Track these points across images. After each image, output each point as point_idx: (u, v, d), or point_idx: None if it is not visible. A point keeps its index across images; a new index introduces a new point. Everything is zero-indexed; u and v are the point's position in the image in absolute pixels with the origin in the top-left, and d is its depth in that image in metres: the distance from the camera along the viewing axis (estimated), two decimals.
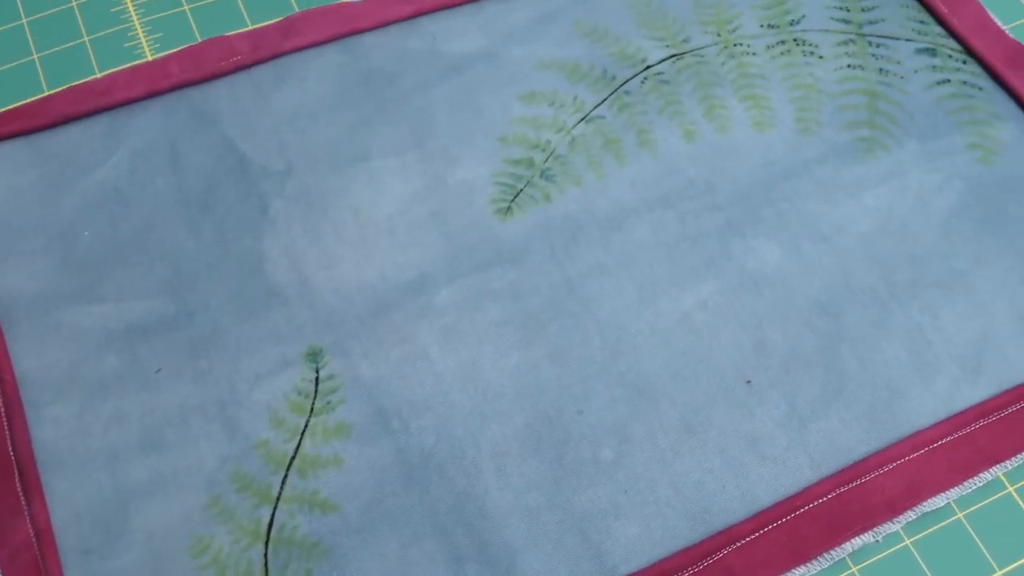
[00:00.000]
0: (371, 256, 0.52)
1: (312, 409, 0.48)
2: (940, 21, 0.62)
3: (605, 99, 0.58)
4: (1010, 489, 0.48)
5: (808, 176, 0.56)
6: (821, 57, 0.60)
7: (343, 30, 0.59)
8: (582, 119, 0.57)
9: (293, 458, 0.46)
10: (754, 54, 0.60)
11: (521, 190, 0.54)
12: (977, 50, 0.60)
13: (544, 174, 0.55)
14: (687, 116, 0.58)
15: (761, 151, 0.57)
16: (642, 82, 0.58)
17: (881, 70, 0.60)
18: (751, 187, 0.55)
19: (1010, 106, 0.59)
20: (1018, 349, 0.51)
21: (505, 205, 0.54)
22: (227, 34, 0.58)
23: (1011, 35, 0.61)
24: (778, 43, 0.61)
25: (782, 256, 0.53)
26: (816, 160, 0.56)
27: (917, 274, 0.53)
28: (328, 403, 0.48)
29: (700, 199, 0.55)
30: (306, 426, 0.47)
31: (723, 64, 0.60)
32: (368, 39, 0.59)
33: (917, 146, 0.57)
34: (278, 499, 0.46)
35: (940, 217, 0.55)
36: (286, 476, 0.46)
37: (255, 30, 0.58)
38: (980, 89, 0.59)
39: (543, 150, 0.56)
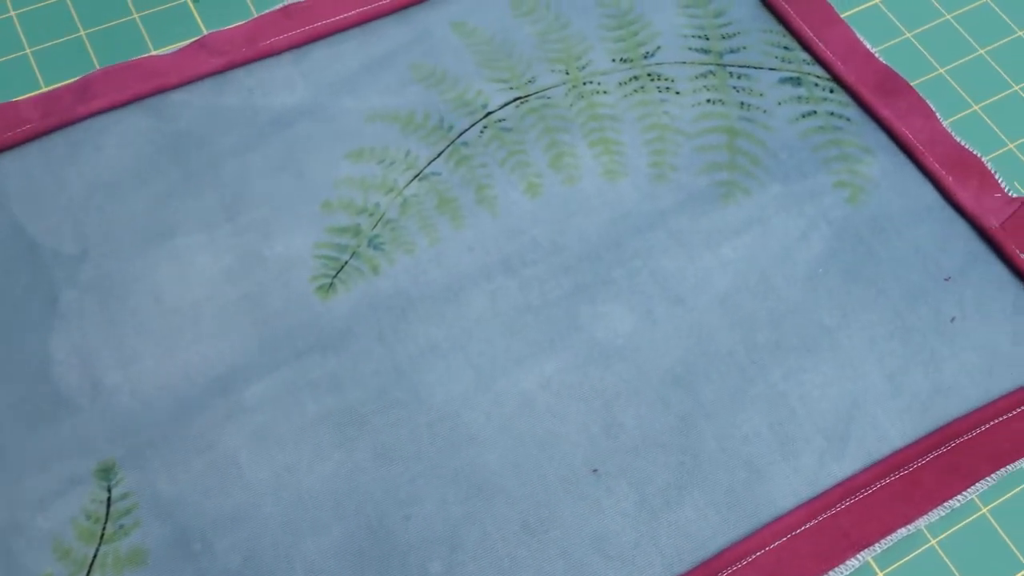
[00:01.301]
0: (174, 350, 0.46)
1: (102, 535, 0.42)
2: (806, 46, 0.57)
3: (441, 153, 0.53)
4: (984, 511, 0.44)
5: (663, 228, 0.51)
6: (678, 93, 0.55)
7: (147, 89, 0.53)
8: (415, 177, 0.52)
9: None
10: (606, 92, 0.55)
11: (346, 263, 0.49)
12: (845, 77, 0.56)
13: (372, 242, 0.50)
14: (532, 167, 0.52)
15: (612, 203, 0.52)
16: (482, 131, 0.53)
17: (743, 104, 0.55)
18: (601, 245, 0.50)
19: (880, 138, 0.54)
20: (887, 414, 0.47)
21: (327, 281, 0.49)
22: (15, 100, 0.52)
23: (881, 59, 0.56)
24: (631, 79, 0.56)
25: (635, 323, 0.48)
26: (672, 210, 0.51)
27: (779, 335, 0.48)
28: (121, 527, 0.43)
29: (545, 262, 0.50)
30: (95, 556, 0.42)
31: (571, 106, 0.54)
32: (176, 97, 0.53)
33: (780, 188, 0.52)
34: None
35: (805, 268, 0.50)
36: None
37: (46, 93, 0.52)
38: (848, 120, 0.55)
39: (371, 215, 0.51)
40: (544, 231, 0.51)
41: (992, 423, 0.47)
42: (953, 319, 0.49)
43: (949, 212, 0.52)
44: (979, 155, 0.53)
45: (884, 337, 0.48)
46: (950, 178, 0.53)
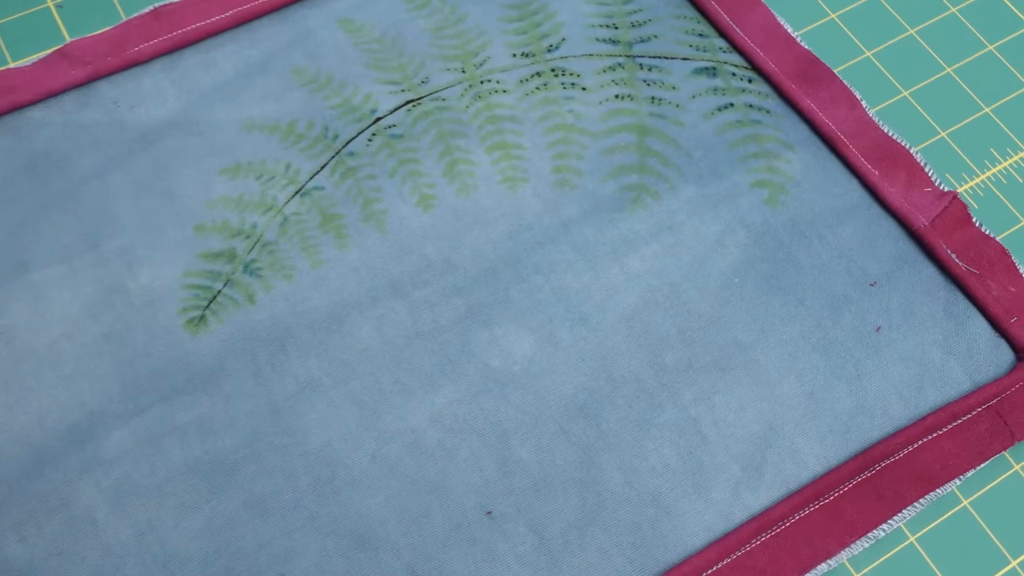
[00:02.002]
0: (27, 397, 0.42)
1: None
2: (722, 32, 0.53)
3: (325, 165, 0.48)
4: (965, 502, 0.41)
5: (566, 241, 0.47)
6: (584, 89, 0.51)
7: (1, 106, 0.48)
8: (296, 192, 0.48)
9: None
10: (505, 91, 0.51)
11: (218, 292, 0.45)
12: (764, 65, 0.52)
13: (248, 268, 0.46)
14: (424, 177, 0.48)
15: (511, 214, 0.48)
16: (370, 139, 0.49)
17: (653, 99, 0.51)
18: (498, 261, 0.46)
19: (801, 131, 0.50)
20: (806, 437, 0.43)
21: (198, 314, 0.44)
22: None
23: (803, 44, 0.52)
24: (533, 75, 0.51)
25: (534, 347, 0.44)
26: (576, 219, 0.47)
27: (691, 354, 0.44)
28: None
29: (437, 283, 0.46)
30: None
31: (468, 107, 0.50)
32: (34, 114, 0.49)
33: (694, 191, 0.48)
34: None
35: (719, 278, 0.46)
36: None
37: None
38: (768, 113, 0.51)
39: (248, 237, 0.46)
40: (437, 248, 0.47)
41: (920, 443, 0.43)
42: (879, 328, 0.45)
43: (875, 210, 0.48)
44: (908, 146, 0.49)
45: (805, 351, 0.45)
46: (876, 173, 0.49)
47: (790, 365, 0.45)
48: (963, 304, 0.46)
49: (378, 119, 0.50)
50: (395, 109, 0.50)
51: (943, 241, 0.47)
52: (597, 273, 0.46)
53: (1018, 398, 0.44)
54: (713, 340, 0.45)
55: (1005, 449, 0.43)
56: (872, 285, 0.46)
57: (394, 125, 0.50)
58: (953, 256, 0.47)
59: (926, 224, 0.47)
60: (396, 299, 0.45)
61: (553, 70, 0.52)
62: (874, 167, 0.49)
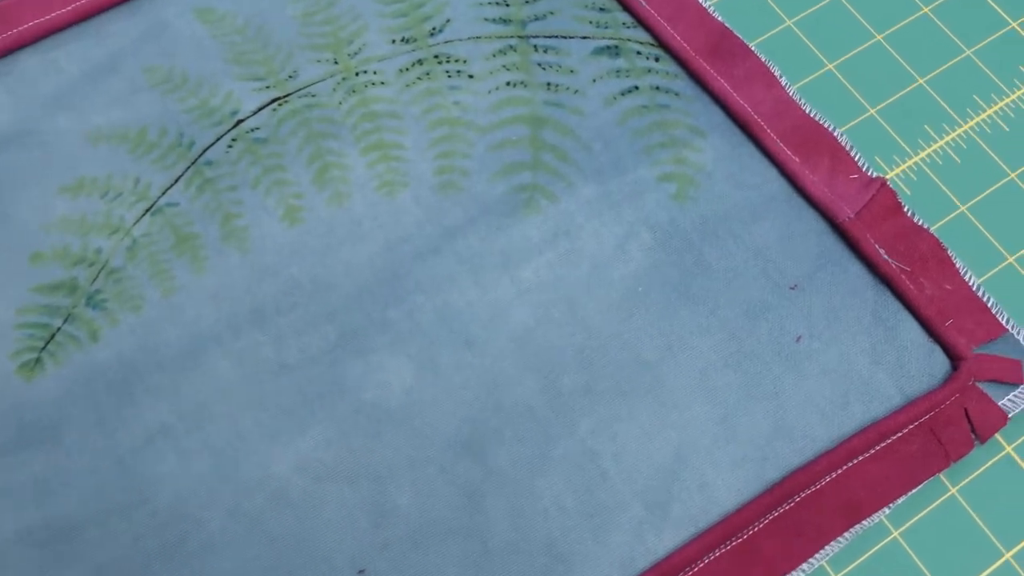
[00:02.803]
0: None
1: None
2: (625, 5, 0.47)
3: (179, 177, 0.43)
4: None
5: (450, 252, 0.42)
6: (471, 76, 0.45)
7: None
8: (147, 211, 0.42)
9: None
10: (383, 83, 0.45)
11: (57, 330, 0.40)
12: (672, 42, 0.46)
13: (91, 300, 0.40)
14: (291, 186, 0.43)
15: (389, 224, 0.42)
16: (230, 145, 0.44)
17: (549, 84, 0.45)
18: (374, 280, 0.41)
19: (713, 115, 0.45)
20: (718, 467, 0.38)
21: (33, 356, 0.39)
22: None
23: (716, 16, 0.47)
24: (414, 63, 0.46)
25: (414, 376, 0.40)
26: (462, 227, 0.42)
27: (590, 377, 0.40)
28: None
29: (305, 307, 0.41)
30: None
31: (341, 103, 0.45)
32: None
33: (594, 189, 0.43)
34: None
35: (621, 289, 0.41)
36: None
37: None
38: (676, 95, 0.45)
39: (91, 264, 0.41)
40: (305, 267, 0.42)
41: (844, 468, 0.38)
42: (799, 338, 0.41)
43: (796, 202, 0.43)
44: (832, 128, 0.44)
45: (717, 368, 0.40)
46: (797, 160, 0.44)
47: (700, 385, 0.40)
48: (893, 306, 0.41)
49: (239, 122, 0.44)
50: (259, 109, 0.45)
51: (871, 235, 0.42)
52: (484, 288, 0.41)
53: (953, 412, 0.39)
54: (614, 360, 0.40)
55: (940, 471, 0.39)
56: (792, 288, 0.42)
57: (257, 128, 0.44)
58: (882, 252, 0.42)
59: (851, 216, 0.42)
60: (259, 328, 0.40)
61: (436, 56, 0.46)
62: (794, 153, 0.44)
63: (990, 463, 0.39)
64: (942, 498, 0.38)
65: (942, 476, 0.39)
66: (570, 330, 0.41)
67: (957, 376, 0.40)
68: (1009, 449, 0.39)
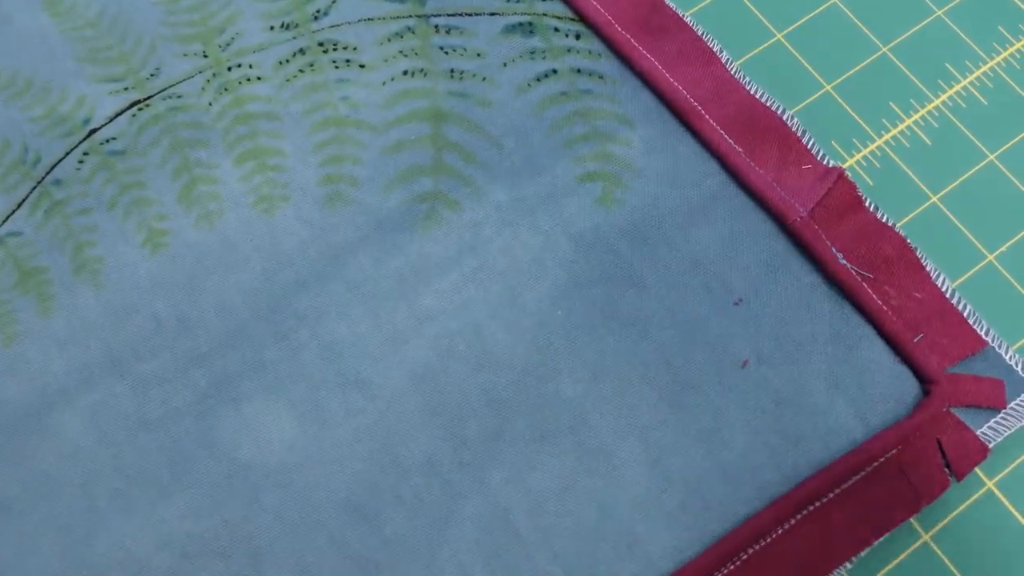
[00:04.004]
0: None
1: None
2: None
3: (23, 201, 0.37)
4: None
5: (338, 278, 0.36)
6: (362, 66, 0.39)
7: None
8: None
9: None
10: (260, 79, 0.39)
11: None
12: (594, 15, 0.40)
13: None
14: (154, 206, 0.37)
15: (267, 247, 0.36)
16: (81, 160, 0.38)
17: (452, 72, 0.39)
18: (250, 314, 0.35)
19: (643, 100, 0.39)
20: (650, 522, 0.33)
21: None
22: None
23: None
24: (296, 54, 0.39)
25: (296, 427, 0.34)
26: (351, 246, 0.36)
27: (501, 420, 0.34)
28: None
29: (170, 351, 0.35)
30: None
31: (211, 104, 0.38)
32: None
33: (505, 195, 0.37)
34: None
35: (537, 312, 0.35)
36: None
37: None
38: (600, 79, 0.39)
39: None
40: (169, 303, 0.36)
41: (797, 518, 0.33)
42: (745, 363, 0.35)
43: (740, 201, 0.37)
44: (782, 110, 0.38)
45: (649, 403, 0.34)
46: (740, 150, 0.37)
47: (630, 424, 0.34)
48: (853, 321, 0.36)
49: (93, 131, 0.38)
50: (116, 116, 0.38)
51: (827, 236, 0.36)
52: (378, 319, 0.35)
53: (924, 446, 0.34)
54: (529, 398, 0.34)
55: (910, 516, 0.33)
56: (736, 304, 0.36)
57: (114, 138, 0.38)
58: (840, 256, 0.36)
59: (804, 215, 0.36)
60: (116, 378, 0.35)
61: (321, 44, 0.40)
62: (737, 142, 0.38)
63: (968, 503, 0.33)
64: (913, 546, 0.33)
65: (913, 520, 0.33)
66: (477, 364, 0.35)
67: (928, 402, 0.34)
68: (990, 485, 0.34)
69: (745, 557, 0.33)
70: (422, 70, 0.39)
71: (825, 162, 0.37)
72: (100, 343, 0.35)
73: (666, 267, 0.36)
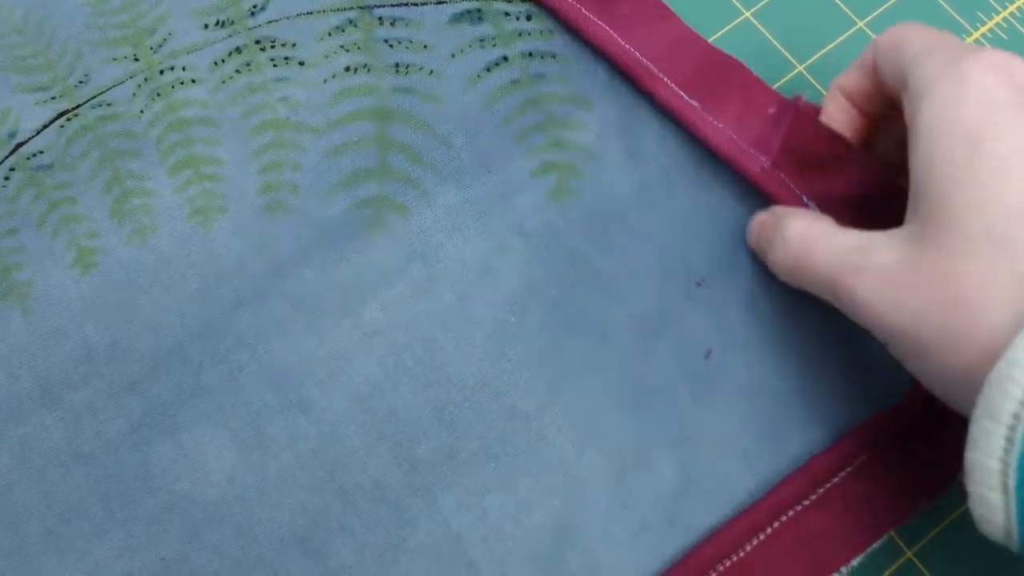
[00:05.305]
0: None
1: None
2: None
3: None
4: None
5: (279, 292, 0.34)
6: (302, 64, 0.37)
7: None
8: None
9: None
10: (194, 81, 0.37)
11: None
12: None
13: None
14: (84, 223, 0.35)
15: (204, 262, 0.34)
16: (7, 177, 0.36)
17: (398, 67, 0.37)
18: (187, 336, 0.33)
19: (597, 74, 0.36)
20: (611, 541, 0.31)
21: None
22: None
23: None
24: (232, 53, 0.37)
25: (237, 457, 0.32)
26: (292, 259, 0.34)
27: (453, 440, 0.32)
28: None
29: (102, 378, 0.33)
30: None
31: (143, 112, 0.36)
32: None
33: (454, 196, 0.35)
34: None
35: (491, 322, 0.33)
36: None
37: None
38: (553, 59, 0.37)
39: None
40: (101, 326, 0.34)
41: (774, 526, 0.30)
42: (709, 352, 0.32)
43: (702, 167, 0.35)
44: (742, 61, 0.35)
45: (610, 411, 0.32)
46: (697, 105, 0.34)
47: (590, 436, 0.32)
48: None
49: (19, 145, 0.36)
50: (43, 128, 0.36)
51: (794, 184, 0.33)
52: (321, 336, 0.33)
53: (919, 436, 0.31)
54: (483, 415, 0.32)
55: (905, 519, 0.30)
56: (699, 286, 0.33)
57: (41, 151, 0.36)
58: (812, 206, 0.32)
59: (767, 165, 0.33)
60: (46, 409, 0.33)
61: (258, 42, 0.37)
62: (697, 96, 0.35)
63: (953, 516, 0.31)
64: (896, 564, 0.30)
65: (895, 535, 0.31)
66: (426, 381, 0.33)
67: (920, 388, 0.31)
68: None
69: (714, 575, 0.30)
70: (365, 65, 0.37)
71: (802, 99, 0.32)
72: (29, 372, 0.33)
73: (624, 256, 0.34)
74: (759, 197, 0.34)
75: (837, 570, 0.30)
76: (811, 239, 0.29)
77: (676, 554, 0.31)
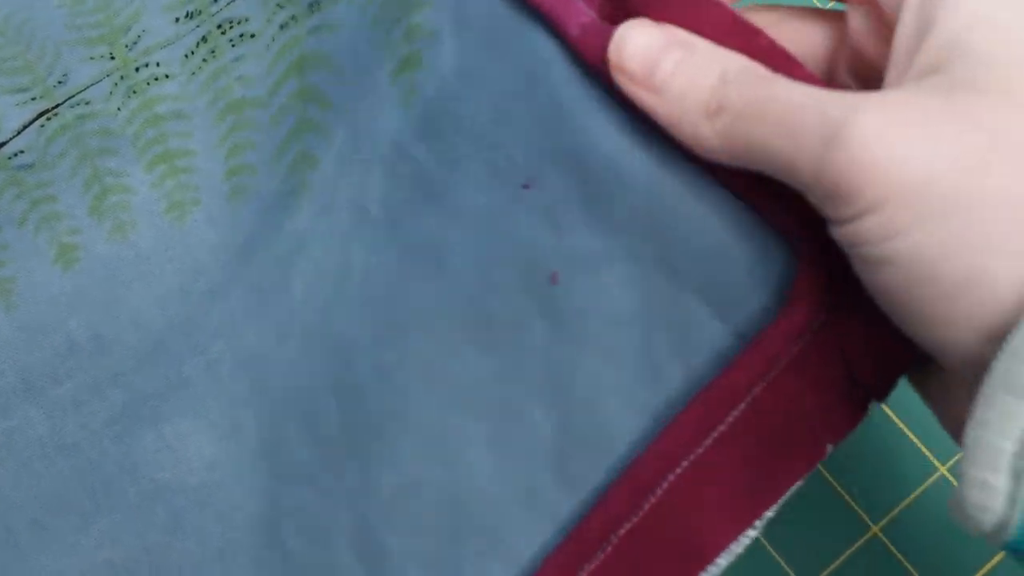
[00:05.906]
0: None
1: None
2: None
3: None
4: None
5: (243, 281, 0.35)
6: (253, 36, 0.37)
7: None
8: None
9: None
10: (168, 76, 0.37)
11: None
12: None
13: None
14: (65, 220, 0.36)
15: (182, 256, 0.35)
16: None
17: (312, 5, 0.35)
18: (168, 329, 0.34)
19: None
20: (502, 514, 0.28)
21: None
22: None
23: None
24: (199, 43, 0.37)
25: (217, 446, 0.33)
26: (251, 244, 0.35)
27: (348, 420, 0.32)
28: None
29: (85, 371, 0.34)
30: None
31: (120, 110, 0.37)
32: None
33: (344, 133, 0.32)
34: None
35: (361, 281, 0.31)
36: None
37: None
38: None
39: None
40: (84, 321, 0.35)
41: (668, 479, 0.25)
42: (554, 276, 0.27)
43: (528, 39, 0.27)
44: None
45: (465, 362, 0.28)
46: None
47: (452, 393, 0.28)
48: (679, 167, 0.25)
49: (0, 146, 0.37)
50: (23, 128, 0.37)
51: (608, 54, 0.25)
52: (276, 320, 0.34)
53: (822, 353, 0.24)
54: (360, 388, 0.31)
55: (816, 463, 0.24)
56: (526, 188, 0.27)
57: (22, 151, 0.37)
58: (636, 90, 0.25)
59: (591, 16, 0.25)
60: (30, 403, 0.34)
61: (220, 26, 0.37)
62: None
63: (919, 491, 0.30)
64: (861, 540, 0.30)
65: (860, 512, 0.30)
66: (329, 354, 0.32)
67: (804, 277, 0.24)
68: (943, 470, 0.30)
69: (611, 547, 0.26)
70: (293, 16, 0.36)
71: None
72: (13, 367, 0.35)
73: (459, 161, 0.28)
74: (584, 68, 0.26)
75: (750, 528, 0.25)
76: (764, 77, 0.22)
77: (567, 519, 0.27)
